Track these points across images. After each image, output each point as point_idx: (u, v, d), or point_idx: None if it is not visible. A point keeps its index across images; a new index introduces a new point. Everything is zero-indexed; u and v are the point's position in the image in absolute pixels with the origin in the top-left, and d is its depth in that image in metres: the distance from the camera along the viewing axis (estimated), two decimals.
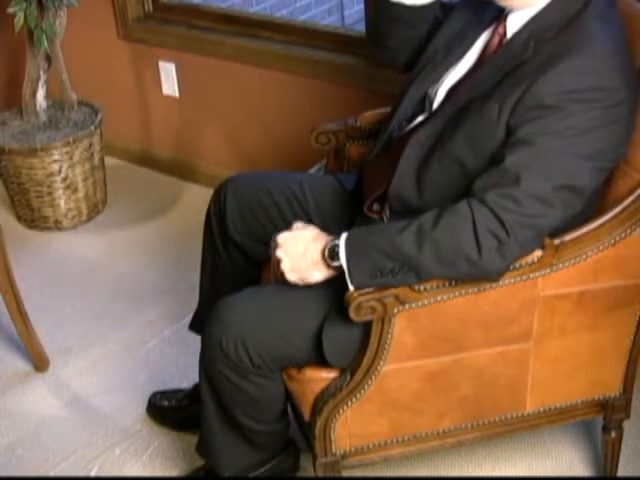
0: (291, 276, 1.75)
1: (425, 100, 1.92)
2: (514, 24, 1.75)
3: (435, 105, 1.86)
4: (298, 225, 1.82)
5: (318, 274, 1.74)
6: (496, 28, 1.80)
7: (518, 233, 1.61)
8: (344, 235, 1.70)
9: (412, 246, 1.62)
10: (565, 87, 1.60)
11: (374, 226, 1.77)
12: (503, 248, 1.61)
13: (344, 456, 1.87)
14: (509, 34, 1.76)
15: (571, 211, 1.67)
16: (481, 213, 1.61)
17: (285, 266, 1.75)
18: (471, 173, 1.69)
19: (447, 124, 1.76)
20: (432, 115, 1.84)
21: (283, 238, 1.77)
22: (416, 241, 1.62)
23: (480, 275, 1.66)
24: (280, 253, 1.75)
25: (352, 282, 1.67)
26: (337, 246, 1.69)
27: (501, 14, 1.80)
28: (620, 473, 2.09)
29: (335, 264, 1.69)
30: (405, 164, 1.81)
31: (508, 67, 1.70)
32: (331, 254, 1.70)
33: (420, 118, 1.90)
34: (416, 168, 1.79)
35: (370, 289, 1.66)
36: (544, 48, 1.67)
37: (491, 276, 1.67)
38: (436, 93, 1.87)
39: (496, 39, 1.79)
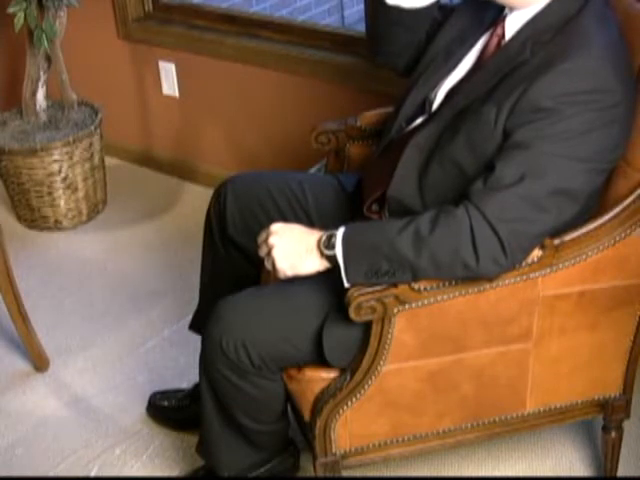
0: (283, 263, 1.70)
1: (425, 103, 1.91)
2: (513, 25, 1.75)
3: (434, 107, 1.86)
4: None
5: (310, 263, 1.70)
6: (495, 29, 1.80)
7: (512, 242, 1.61)
8: (342, 229, 1.68)
9: (409, 249, 1.62)
10: (561, 90, 1.60)
11: (373, 223, 1.76)
12: (499, 257, 1.62)
13: (344, 456, 1.87)
14: (507, 35, 1.76)
15: (564, 216, 1.66)
16: (478, 222, 1.61)
17: (278, 252, 1.70)
18: (471, 177, 1.69)
19: (446, 127, 1.76)
20: (431, 117, 1.84)
21: (277, 225, 1.74)
22: (414, 244, 1.62)
23: (477, 277, 1.67)
24: (274, 239, 1.72)
25: (348, 280, 1.67)
26: (334, 236, 1.68)
27: (500, 16, 1.80)
28: (620, 473, 2.09)
29: (329, 253, 1.67)
30: (404, 167, 1.81)
31: (506, 69, 1.70)
32: (327, 243, 1.68)
33: (419, 120, 1.90)
34: (417, 172, 1.79)
35: (370, 289, 1.66)
36: (541, 50, 1.67)
37: (488, 277, 1.68)
38: (436, 95, 1.87)
39: (494, 40, 1.79)
